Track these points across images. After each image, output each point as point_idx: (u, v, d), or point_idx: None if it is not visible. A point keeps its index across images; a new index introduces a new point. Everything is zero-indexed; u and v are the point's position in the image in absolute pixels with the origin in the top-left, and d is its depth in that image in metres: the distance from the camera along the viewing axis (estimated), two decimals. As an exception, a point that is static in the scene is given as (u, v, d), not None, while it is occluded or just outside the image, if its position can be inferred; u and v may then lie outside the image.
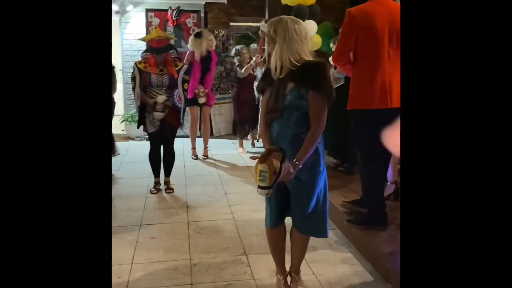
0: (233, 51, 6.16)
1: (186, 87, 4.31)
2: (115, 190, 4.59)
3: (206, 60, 5.51)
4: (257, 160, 2.20)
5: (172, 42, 4.44)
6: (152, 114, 4.18)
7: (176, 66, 4.24)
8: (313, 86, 2.24)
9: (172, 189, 4.51)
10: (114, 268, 2.92)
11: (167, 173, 4.56)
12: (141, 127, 4.37)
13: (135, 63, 4.20)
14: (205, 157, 5.86)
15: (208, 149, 5.97)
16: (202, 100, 5.56)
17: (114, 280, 2.77)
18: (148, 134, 4.36)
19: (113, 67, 4.90)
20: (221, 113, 7.33)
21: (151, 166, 4.50)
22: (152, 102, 4.14)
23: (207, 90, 5.58)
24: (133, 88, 4.22)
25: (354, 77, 3.12)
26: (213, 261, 3.04)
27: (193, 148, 5.89)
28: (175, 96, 4.23)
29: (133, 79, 4.18)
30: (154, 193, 4.44)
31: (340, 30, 3.19)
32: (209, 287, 2.70)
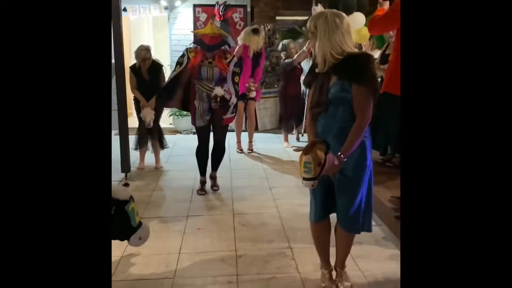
0: (280, 46, 6.16)
1: (236, 80, 4.09)
2: (164, 182, 4.73)
3: (257, 55, 5.56)
4: (300, 152, 2.19)
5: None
6: (206, 105, 4.01)
7: (226, 58, 4.04)
8: (355, 78, 2.20)
9: (218, 186, 4.36)
10: (162, 257, 3.01)
11: (215, 167, 4.39)
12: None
13: (186, 50, 4.06)
14: (250, 151, 5.91)
15: (253, 143, 6.01)
16: (253, 94, 5.65)
17: (162, 268, 2.86)
18: (196, 128, 4.18)
19: (160, 65, 5.02)
20: (266, 107, 7.35)
21: (198, 163, 4.32)
22: (207, 94, 3.98)
23: (257, 85, 5.64)
24: (175, 70, 4.03)
25: (392, 62, 3.07)
26: (258, 253, 3.07)
27: (238, 142, 5.95)
28: (225, 90, 4.06)
29: (180, 63, 3.99)
30: (202, 194, 4.24)
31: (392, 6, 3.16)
32: (254, 279, 2.73)
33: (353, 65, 2.21)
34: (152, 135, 5.06)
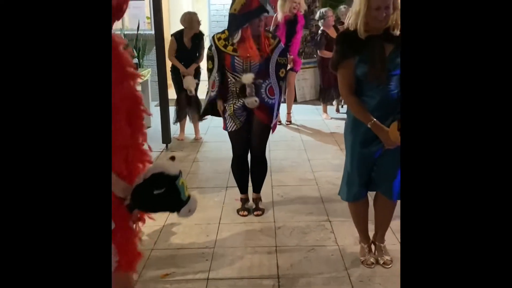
0: (317, 14, 5.98)
1: (282, 75, 3.10)
2: (203, 153, 4.79)
3: (291, 23, 5.41)
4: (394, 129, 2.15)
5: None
6: (240, 102, 3.02)
7: (270, 44, 2.99)
8: None
9: (263, 210, 3.31)
10: (203, 227, 3.08)
11: (257, 189, 3.38)
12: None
13: (213, 38, 3.04)
14: (288, 123, 5.87)
15: (291, 114, 5.96)
16: (287, 66, 5.42)
17: (203, 238, 2.93)
18: (229, 133, 3.19)
19: (202, 34, 5.02)
20: (305, 78, 7.24)
21: (236, 179, 3.39)
22: (238, 86, 2.99)
23: (292, 56, 5.47)
24: (209, 70, 3.06)
25: None
26: (296, 225, 3.09)
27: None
28: (263, 90, 3.00)
29: (211, 58, 3.03)
30: (245, 215, 3.27)
31: None
32: (293, 250, 2.76)
33: None
34: (191, 106, 5.11)
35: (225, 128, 3.19)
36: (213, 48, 3.00)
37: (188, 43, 4.93)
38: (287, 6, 5.30)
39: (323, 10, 5.86)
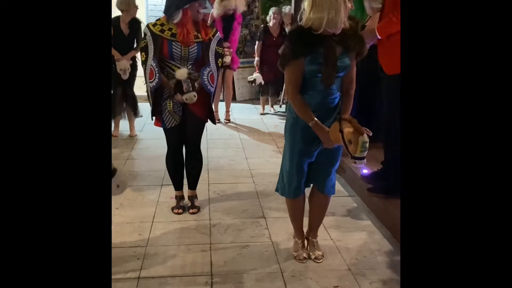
0: (268, 18, 6.13)
1: (220, 64, 3.04)
2: (138, 150, 4.66)
3: (228, 20, 5.40)
4: (348, 131, 2.15)
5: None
6: (177, 97, 2.90)
7: (209, 32, 2.98)
8: (362, 50, 2.29)
9: (198, 207, 3.26)
10: (135, 225, 2.99)
11: (192, 185, 3.32)
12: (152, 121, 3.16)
13: (148, 26, 2.91)
14: (227, 121, 5.86)
15: (230, 113, 5.95)
16: (227, 59, 5.19)
17: (135, 237, 2.85)
18: (165, 130, 3.09)
19: (140, 20, 4.85)
20: (244, 77, 7.25)
21: (170, 175, 3.31)
22: (173, 82, 2.88)
23: (232, 50, 5.45)
24: (144, 62, 2.90)
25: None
26: (232, 222, 3.08)
27: (215, 111, 5.88)
28: (205, 76, 2.93)
29: (144, 49, 2.88)
30: (179, 213, 3.20)
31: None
32: (227, 247, 2.75)
33: (360, 37, 2.28)
34: (127, 102, 4.95)
35: (161, 125, 3.06)
36: (148, 36, 2.86)
37: (125, 29, 4.73)
38: (221, 7, 5.29)
39: (270, 12, 5.99)
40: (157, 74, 2.85)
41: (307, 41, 2.19)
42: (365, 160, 2.23)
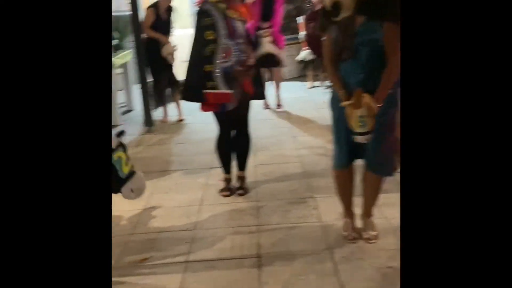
0: None
1: None
2: (185, 135, 4.69)
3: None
4: (346, 106, 2.11)
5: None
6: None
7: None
8: (389, 15, 2.05)
9: (246, 189, 3.22)
10: (183, 209, 3.01)
11: (241, 166, 3.26)
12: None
13: (212, 4, 2.77)
14: (279, 106, 5.71)
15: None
16: (268, 41, 4.75)
17: (184, 220, 2.86)
18: (217, 114, 3.05)
19: (173, 7, 4.88)
20: (291, 54, 7.09)
21: (220, 158, 3.22)
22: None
23: (273, 30, 5.25)
24: (212, 41, 2.76)
25: None
26: (279, 203, 3.02)
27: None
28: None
29: (211, 27, 2.75)
30: (227, 196, 3.17)
31: None
32: (275, 229, 2.69)
33: (384, 2, 2.07)
34: (172, 87, 4.99)
35: (213, 108, 2.99)
36: (214, 12, 2.74)
37: (163, 15, 4.80)
38: None
39: None
40: (235, 53, 2.79)
41: (324, 17, 2.22)
42: (367, 136, 2.14)
